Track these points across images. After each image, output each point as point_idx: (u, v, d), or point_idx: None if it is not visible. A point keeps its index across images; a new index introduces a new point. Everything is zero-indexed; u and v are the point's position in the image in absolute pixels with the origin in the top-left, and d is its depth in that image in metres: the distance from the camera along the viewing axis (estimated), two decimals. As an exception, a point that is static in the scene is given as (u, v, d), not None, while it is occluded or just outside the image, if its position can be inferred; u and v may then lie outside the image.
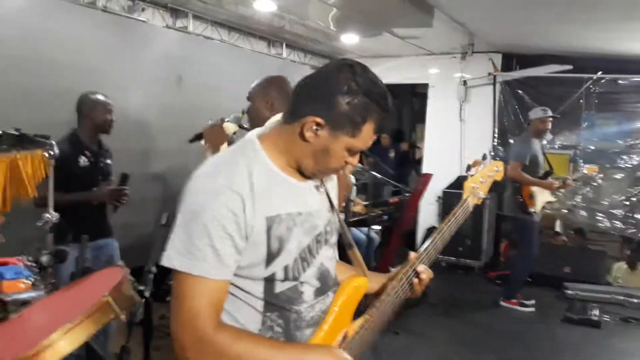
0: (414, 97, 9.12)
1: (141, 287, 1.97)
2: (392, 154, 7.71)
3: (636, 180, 6.62)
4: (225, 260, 1.14)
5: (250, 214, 1.15)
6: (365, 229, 4.72)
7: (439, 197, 6.61)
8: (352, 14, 5.16)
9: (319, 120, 1.18)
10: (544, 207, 5.17)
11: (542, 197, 4.99)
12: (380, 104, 1.21)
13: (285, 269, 1.23)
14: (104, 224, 3.23)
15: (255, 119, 2.25)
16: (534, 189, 4.91)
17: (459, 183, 6.44)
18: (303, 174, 1.29)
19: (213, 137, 2.45)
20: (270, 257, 1.20)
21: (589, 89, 6.03)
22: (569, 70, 6.01)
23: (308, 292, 1.28)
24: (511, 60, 6.64)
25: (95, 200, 3.07)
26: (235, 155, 1.23)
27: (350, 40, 5.94)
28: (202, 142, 2.54)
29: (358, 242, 4.72)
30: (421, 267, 1.43)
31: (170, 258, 1.15)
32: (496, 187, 6.05)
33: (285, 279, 1.24)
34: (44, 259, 2.13)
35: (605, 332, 4.60)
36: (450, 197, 6.31)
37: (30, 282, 2.04)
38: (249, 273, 1.21)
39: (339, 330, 1.33)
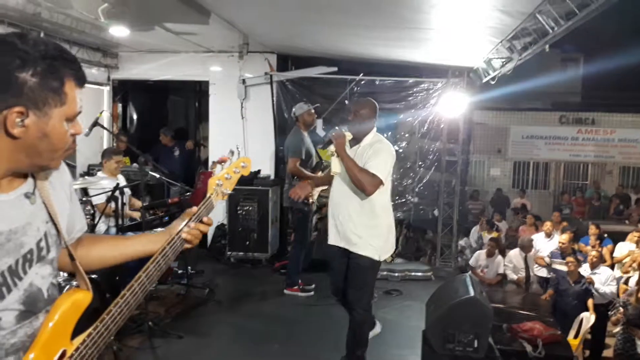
0: (199, 96, 9.03)
1: None
2: (176, 153, 7.51)
3: (403, 169, 7.56)
4: None
5: None
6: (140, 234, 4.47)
7: (228, 194, 6.61)
8: (119, 6, 4.85)
9: (18, 109, 1.03)
10: (320, 196, 5.57)
11: (317, 188, 5.36)
12: (64, 57, 1.10)
13: None
14: None
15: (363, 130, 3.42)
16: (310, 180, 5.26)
17: (247, 179, 6.54)
18: (22, 177, 1.14)
19: (341, 143, 3.33)
20: None
21: (352, 90, 6.69)
22: (336, 72, 6.58)
23: (7, 317, 1.13)
24: (286, 61, 7.01)
25: None
26: None
27: (120, 33, 5.58)
28: (332, 147, 3.36)
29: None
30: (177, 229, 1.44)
31: None
32: (279, 181, 6.28)
33: None
34: None
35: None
36: (239, 193, 6.37)
37: None
38: None
39: (55, 351, 1.20)
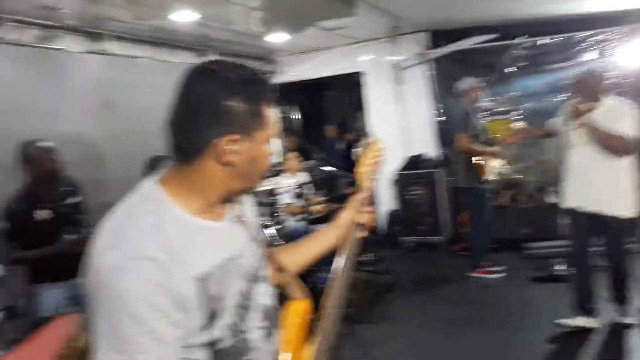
0: (353, 87, 9.16)
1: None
2: (340, 145, 7.71)
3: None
4: (165, 340, 0.98)
5: (176, 279, 0.99)
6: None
7: (396, 180, 6.62)
8: (275, 13, 5.09)
9: (233, 137, 1.05)
10: (496, 173, 5.28)
11: (491, 164, 5.10)
12: (259, 79, 1.11)
13: (227, 327, 1.09)
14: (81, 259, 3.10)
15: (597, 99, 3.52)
16: (483, 157, 5.01)
17: (411, 163, 6.50)
18: (226, 204, 1.18)
19: (585, 116, 3.50)
20: (208, 321, 1.04)
21: (514, 54, 6.21)
22: (495, 39, 6.16)
23: (257, 337, 1.17)
24: (439, 37, 6.75)
25: (57, 252, 2.87)
26: (135, 212, 1.04)
27: (279, 39, 5.87)
28: (574, 122, 3.56)
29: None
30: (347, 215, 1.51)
31: None
32: (447, 162, 6.06)
33: (229, 336, 1.10)
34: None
35: (569, 283, 4.73)
36: (406, 178, 6.37)
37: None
38: (183, 343, 1.04)
39: None
